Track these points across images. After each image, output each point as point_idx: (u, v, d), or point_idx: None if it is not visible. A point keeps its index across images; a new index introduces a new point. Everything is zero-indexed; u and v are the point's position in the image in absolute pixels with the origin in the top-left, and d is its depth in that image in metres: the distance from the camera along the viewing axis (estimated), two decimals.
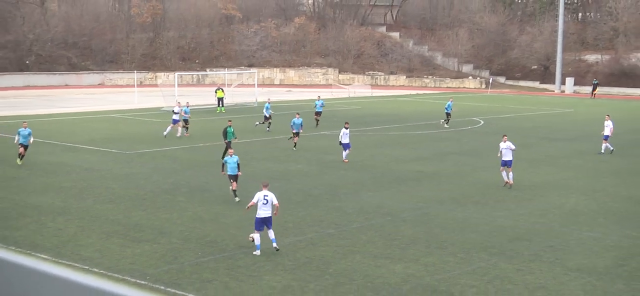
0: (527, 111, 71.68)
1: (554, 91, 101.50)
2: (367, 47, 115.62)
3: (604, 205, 30.14)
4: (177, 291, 19.07)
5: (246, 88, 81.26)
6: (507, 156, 32.92)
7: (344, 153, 39.17)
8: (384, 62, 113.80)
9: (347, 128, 39.41)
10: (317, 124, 54.06)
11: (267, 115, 53.52)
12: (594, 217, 28.05)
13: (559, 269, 21.55)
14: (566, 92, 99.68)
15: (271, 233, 22.59)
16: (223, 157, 38.05)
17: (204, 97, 75.17)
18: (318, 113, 55.03)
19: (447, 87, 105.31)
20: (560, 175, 36.76)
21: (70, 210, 27.89)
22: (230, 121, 40.94)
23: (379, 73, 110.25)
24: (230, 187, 29.47)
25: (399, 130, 54.78)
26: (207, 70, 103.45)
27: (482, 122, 60.78)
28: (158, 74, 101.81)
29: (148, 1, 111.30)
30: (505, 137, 33.64)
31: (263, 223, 22.67)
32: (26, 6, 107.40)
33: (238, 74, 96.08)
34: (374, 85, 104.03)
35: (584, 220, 27.53)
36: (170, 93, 69.65)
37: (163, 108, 66.27)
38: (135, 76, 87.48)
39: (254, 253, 22.26)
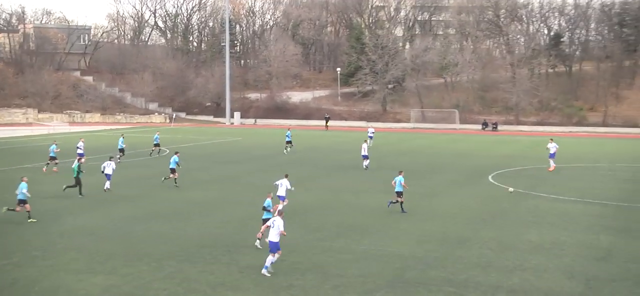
0: (205, 140, 72.31)
1: (225, 123, 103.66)
2: (64, 89, 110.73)
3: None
4: None
5: None
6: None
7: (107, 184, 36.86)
8: (80, 102, 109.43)
9: (111, 160, 37.89)
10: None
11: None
12: (259, 223, 28.59)
13: (234, 267, 21.94)
14: (235, 124, 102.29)
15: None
16: None
17: None
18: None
19: (137, 122, 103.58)
20: (222, 191, 37.43)
21: None
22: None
23: (76, 111, 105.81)
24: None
25: (94, 161, 52.75)
26: None
27: (168, 151, 60.30)
28: None
29: None
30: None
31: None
32: None
33: None
34: (72, 122, 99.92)
35: (252, 226, 27.57)
36: None
37: None
38: None
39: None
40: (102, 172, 37.55)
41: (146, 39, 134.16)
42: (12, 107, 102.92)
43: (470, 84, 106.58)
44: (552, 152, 45.73)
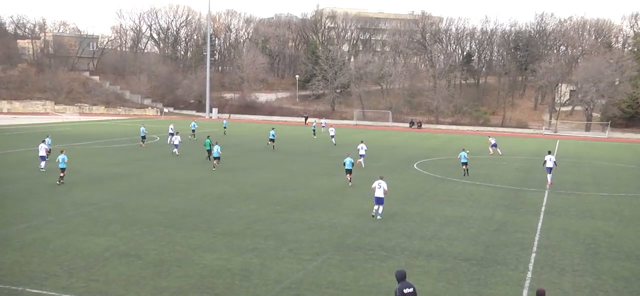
0: (189, 131, 71.39)
1: (205, 117, 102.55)
2: (76, 86, 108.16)
3: (240, 191, 30.94)
4: None
5: None
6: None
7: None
8: (88, 96, 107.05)
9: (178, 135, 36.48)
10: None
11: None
12: (232, 199, 28.67)
13: (211, 233, 21.76)
14: (213, 117, 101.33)
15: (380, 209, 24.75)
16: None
17: None
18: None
19: (134, 114, 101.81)
20: (203, 172, 37.08)
21: None
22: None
23: (85, 104, 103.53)
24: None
25: (99, 145, 51.84)
26: None
27: (158, 138, 59.61)
28: None
29: None
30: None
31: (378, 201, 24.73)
32: None
33: None
34: (82, 113, 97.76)
35: (227, 201, 28.04)
36: None
37: None
38: None
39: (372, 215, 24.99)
40: (172, 143, 46.16)
41: (143, 47, 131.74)
42: (33, 100, 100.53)
43: (401, 91, 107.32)
44: (549, 165, 35.93)
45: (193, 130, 59.69)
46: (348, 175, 33.56)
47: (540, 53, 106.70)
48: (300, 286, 16.54)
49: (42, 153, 35.65)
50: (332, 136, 59.48)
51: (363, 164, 41.40)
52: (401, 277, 12.46)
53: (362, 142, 43.61)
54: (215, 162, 38.45)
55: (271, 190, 31.02)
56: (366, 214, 25.75)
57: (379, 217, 24.64)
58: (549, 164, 35.90)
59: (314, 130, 68.75)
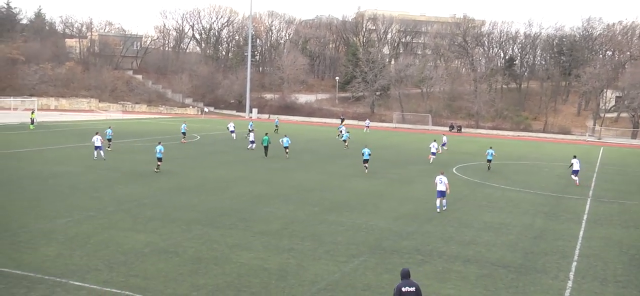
0: (246, 130, 72.03)
1: (245, 116, 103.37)
2: (119, 84, 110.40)
3: (278, 191, 31.09)
4: None
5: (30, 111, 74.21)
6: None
7: None
8: (131, 95, 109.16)
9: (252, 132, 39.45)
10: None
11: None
12: (270, 199, 28.81)
13: (248, 232, 21.91)
14: (253, 117, 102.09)
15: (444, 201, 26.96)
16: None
17: None
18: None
19: (175, 113, 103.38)
20: (242, 171, 37.37)
21: None
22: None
23: (128, 102, 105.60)
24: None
25: (141, 142, 52.76)
26: None
27: (199, 137, 60.36)
28: None
29: None
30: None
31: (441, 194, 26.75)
32: None
33: (22, 101, 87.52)
34: (124, 111, 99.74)
35: (264, 201, 28.19)
36: None
37: None
38: None
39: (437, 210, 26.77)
40: (248, 139, 50.46)
41: (185, 47, 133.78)
42: (79, 97, 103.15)
43: (441, 94, 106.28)
44: (575, 168, 38.56)
45: (250, 130, 60.51)
46: (365, 164, 38.71)
47: (585, 58, 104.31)
48: (336, 288, 16.53)
49: (98, 144, 39.32)
50: (344, 140, 56.73)
51: (431, 160, 46.26)
52: (404, 275, 12.20)
53: (434, 140, 48.32)
54: (286, 150, 44.97)
55: (308, 191, 31.09)
56: (403, 217, 25.63)
57: (441, 209, 26.75)
58: (576, 167, 38.58)
59: (340, 131, 68.16)
